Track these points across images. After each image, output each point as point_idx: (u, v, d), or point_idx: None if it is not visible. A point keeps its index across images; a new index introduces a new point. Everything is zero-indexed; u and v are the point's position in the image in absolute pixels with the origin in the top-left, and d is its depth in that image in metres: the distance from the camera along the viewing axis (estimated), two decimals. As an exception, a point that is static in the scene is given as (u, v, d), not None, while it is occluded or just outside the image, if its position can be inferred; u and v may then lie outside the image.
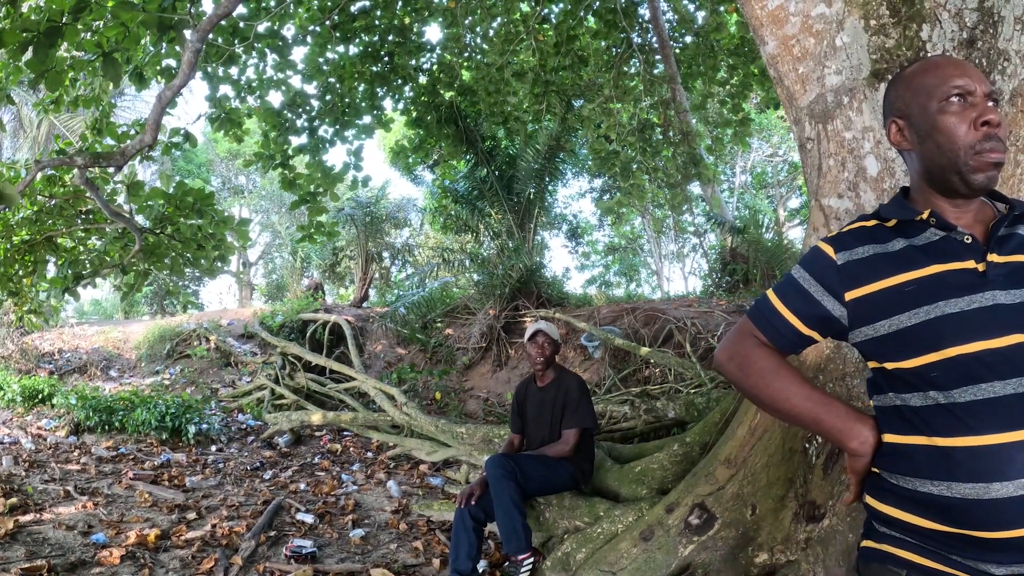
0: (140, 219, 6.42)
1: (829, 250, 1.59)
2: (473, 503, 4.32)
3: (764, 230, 12.39)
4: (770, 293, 1.68)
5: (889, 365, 1.48)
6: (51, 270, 7.38)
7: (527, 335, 4.92)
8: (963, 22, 2.65)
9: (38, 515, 5.08)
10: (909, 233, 1.52)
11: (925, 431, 1.40)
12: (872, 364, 1.56)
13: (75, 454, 7.27)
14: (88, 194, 5.96)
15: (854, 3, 2.84)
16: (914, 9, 2.73)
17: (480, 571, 4.35)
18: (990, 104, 1.46)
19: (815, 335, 1.63)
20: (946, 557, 1.39)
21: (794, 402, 1.56)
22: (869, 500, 1.55)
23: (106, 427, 8.15)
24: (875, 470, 1.53)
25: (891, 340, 1.45)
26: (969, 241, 1.43)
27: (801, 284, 1.61)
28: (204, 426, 8.39)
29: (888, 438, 1.49)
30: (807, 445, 3.28)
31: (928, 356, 1.39)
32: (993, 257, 1.40)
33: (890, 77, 2.49)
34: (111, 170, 5.98)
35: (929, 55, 2.68)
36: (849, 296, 1.54)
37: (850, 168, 2.87)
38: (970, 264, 1.41)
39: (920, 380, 1.41)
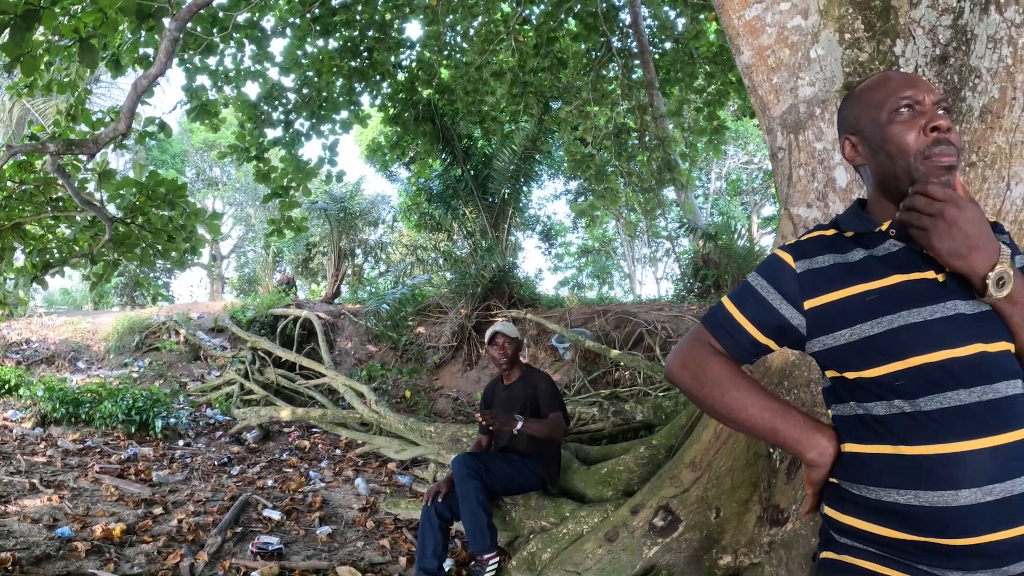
0: (111, 208, 6.34)
1: (788, 258, 1.56)
2: (440, 501, 4.33)
3: (737, 237, 12.45)
4: (726, 300, 1.64)
5: (850, 374, 1.47)
6: (19, 258, 7.27)
7: (487, 339, 4.94)
8: (936, 39, 2.70)
9: (3, 507, 5.00)
10: (868, 244, 1.51)
11: (890, 440, 1.39)
12: (831, 373, 1.55)
13: (41, 446, 7.16)
14: (59, 181, 5.88)
15: (830, 16, 2.88)
16: (889, 24, 2.77)
17: (447, 570, 4.36)
18: (939, 111, 1.47)
19: (771, 344, 1.60)
20: (910, 567, 1.38)
21: (750, 412, 1.52)
22: (828, 511, 1.53)
23: (73, 419, 8.02)
24: (834, 480, 1.51)
25: (853, 349, 1.44)
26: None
27: (759, 292, 1.57)
28: (172, 420, 8.29)
29: (849, 447, 1.47)
30: (771, 450, 3.32)
31: (892, 365, 1.39)
32: None
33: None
34: (83, 157, 5.91)
35: (900, 70, 2.73)
36: (809, 305, 1.51)
37: (820, 178, 2.91)
38: (930, 274, 1.42)
39: (884, 389, 1.40)
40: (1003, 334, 1.39)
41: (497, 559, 4.17)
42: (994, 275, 1.34)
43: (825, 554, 1.55)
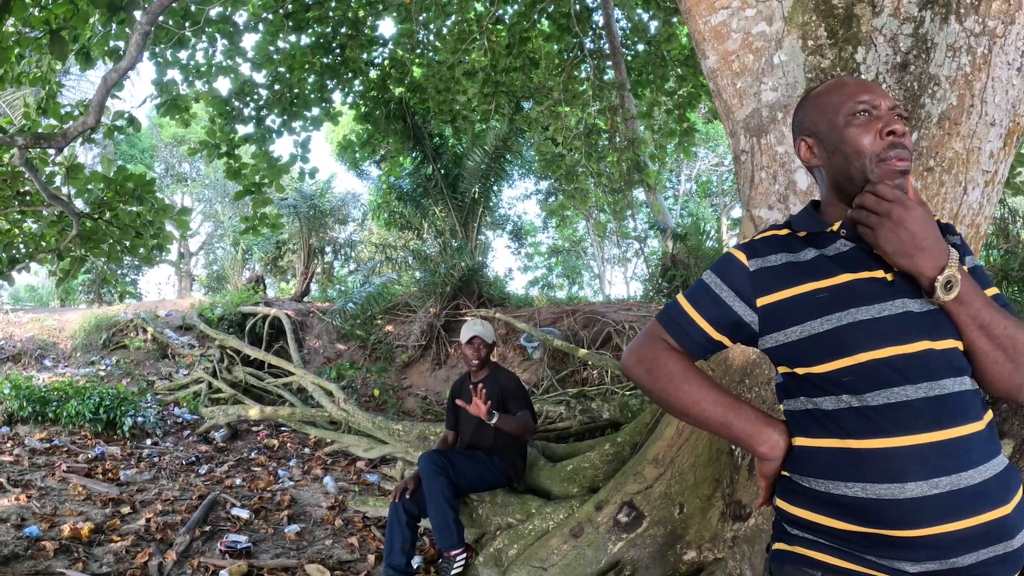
0: (79, 203, 6.28)
1: (742, 257, 1.60)
2: (407, 498, 4.36)
3: (705, 238, 12.56)
4: (681, 298, 1.67)
5: (800, 370, 1.50)
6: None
7: (464, 338, 4.97)
8: (897, 47, 2.76)
9: (-31, 507, 4.95)
10: (820, 244, 1.55)
11: (838, 434, 1.43)
12: (782, 369, 1.59)
13: (8, 445, 7.06)
14: (26, 175, 5.81)
15: (793, 23, 2.93)
16: (851, 32, 2.83)
17: (414, 567, 4.38)
18: (895, 116, 1.52)
19: (725, 340, 1.63)
20: (860, 557, 1.41)
21: (703, 406, 1.56)
22: (780, 503, 1.56)
23: (40, 418, 7.92)
24: (785, 473, 1.55)
25: (803, 345, 1.48)
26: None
27: (712, 289, 1.62)
28: (139, 419, 8.21)
29: (799, 441, 1.51)
30: (733, 446, 3.38)
31: (840, 361, 1.43)
32: None
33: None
34: (51, 151, 5.84)
35: (855, 76, 2.79)
36: (761, 302, 1.55)
37: (781, 181, 2.97)
38: (879, 274, 1.46)
39: (832, 384, 1.44)
40: (951, 332, 1.43)
41: (464, 555, 4.20)
42: (942, 279, 1.38)
43: (778, 545, 1.58)
